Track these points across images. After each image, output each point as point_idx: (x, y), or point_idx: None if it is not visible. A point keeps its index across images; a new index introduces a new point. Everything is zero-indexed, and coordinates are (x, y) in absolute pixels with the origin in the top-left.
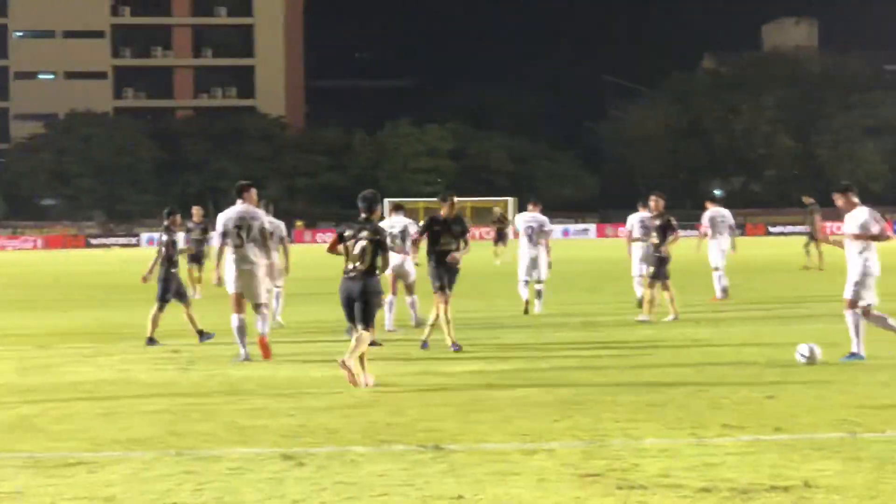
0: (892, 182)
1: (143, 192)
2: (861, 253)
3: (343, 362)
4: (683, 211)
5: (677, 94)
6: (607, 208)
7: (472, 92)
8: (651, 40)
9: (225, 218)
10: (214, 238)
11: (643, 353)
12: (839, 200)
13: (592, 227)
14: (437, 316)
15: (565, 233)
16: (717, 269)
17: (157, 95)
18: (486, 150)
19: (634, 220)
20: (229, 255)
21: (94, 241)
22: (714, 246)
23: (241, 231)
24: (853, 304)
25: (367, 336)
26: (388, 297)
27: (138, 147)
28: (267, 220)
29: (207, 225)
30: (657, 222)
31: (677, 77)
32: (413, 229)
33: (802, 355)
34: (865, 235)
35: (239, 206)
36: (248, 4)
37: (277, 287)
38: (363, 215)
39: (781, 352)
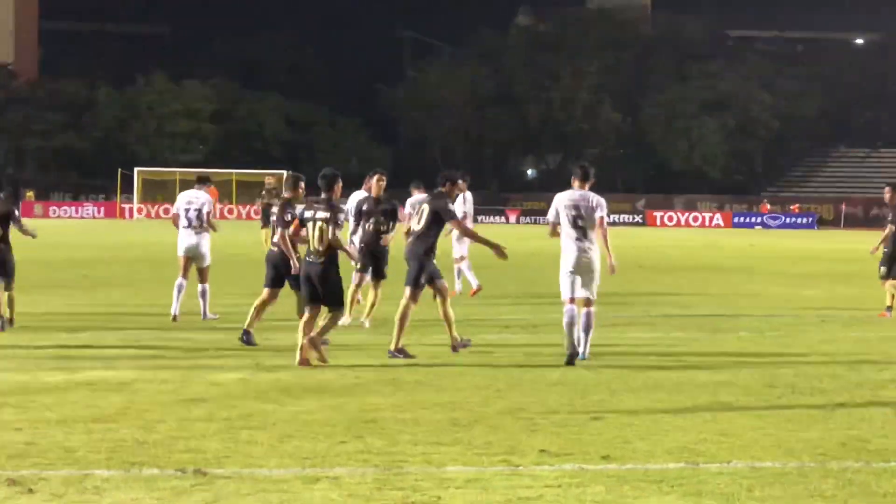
0: (735, 167)
1: None
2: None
3: (316, 355)
4: (490, 193)
5: (486, 55)
6: (398, 187)
7: (241, 44)
8: None
9: None
10: None
11: (446, 362)
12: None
13: None
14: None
15: None
16: (461, 258)
17: None
18: (258, 112)
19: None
20: None
21: None
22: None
23: None
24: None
25: (338, 316)
26: (177, 280)
27: None
28: None
29: None
30: (382, 207)
31: (487, 34)
32: (208, 208)
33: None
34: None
35: None
36: None
37: None
38: (323, 195)
39: (610, 360)
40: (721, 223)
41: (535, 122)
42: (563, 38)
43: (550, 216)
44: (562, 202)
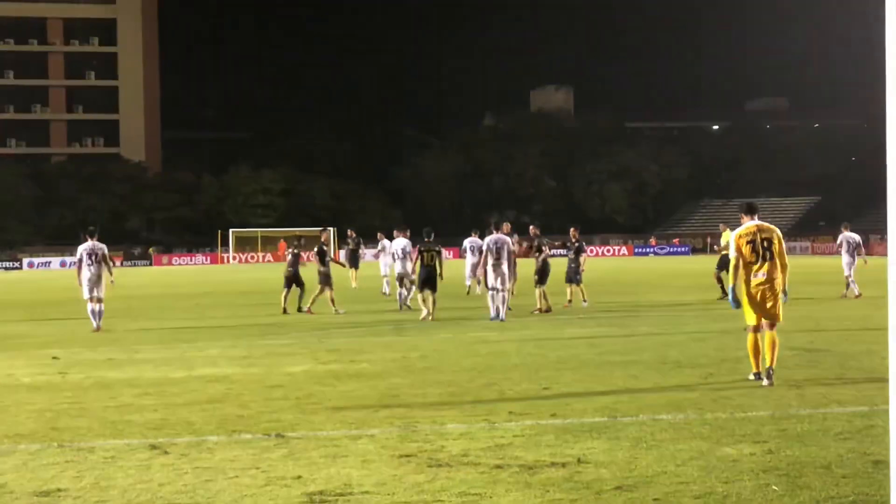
0: (633, 214)
1: (23, 223)
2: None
3: (428, 316)
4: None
5: (463, 145)
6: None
7: (298, 143)
8: (442, 100)
9: (81, 248)
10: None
11: (442, 354)
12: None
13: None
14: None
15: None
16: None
17: (35, 144)
18: (311, 189)
19: (396, 245)
20: (84, 272)
21: None
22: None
23: (92, 256)
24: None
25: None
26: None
27: (19, 187)
28: (100, 247)
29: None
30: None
31: (463, 131)
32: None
33: None
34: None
35: (89, 242)
36: (113, 69)
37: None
38: (429, 238)
39: (553, 347)
40: (626, 253)
41: (498, 189)
42: (515, 131)
43: (486, 246)
44: (490, 239)
